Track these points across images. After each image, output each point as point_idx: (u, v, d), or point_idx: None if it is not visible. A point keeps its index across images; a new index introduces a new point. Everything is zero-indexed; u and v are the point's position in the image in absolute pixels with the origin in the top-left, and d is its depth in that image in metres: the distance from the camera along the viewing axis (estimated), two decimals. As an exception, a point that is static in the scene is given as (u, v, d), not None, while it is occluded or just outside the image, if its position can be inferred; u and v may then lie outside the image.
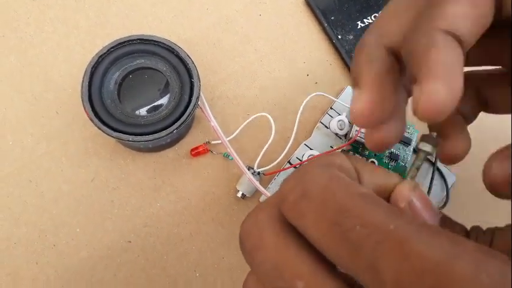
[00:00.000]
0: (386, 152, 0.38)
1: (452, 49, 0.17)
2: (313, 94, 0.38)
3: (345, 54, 0.41)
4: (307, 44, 0.42)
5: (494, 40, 0.21)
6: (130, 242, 0.35)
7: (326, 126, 0.39)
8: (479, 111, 0.26)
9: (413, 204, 0.18)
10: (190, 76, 0.33)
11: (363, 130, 0.37)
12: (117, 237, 0.35)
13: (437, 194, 0.39)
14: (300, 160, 0.38)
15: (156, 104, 0.34)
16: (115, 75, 0.33)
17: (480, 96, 0.25)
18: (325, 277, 0.16)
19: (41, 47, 0.39)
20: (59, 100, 0.37)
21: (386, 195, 0.19)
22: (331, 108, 0.40)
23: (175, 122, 0.32)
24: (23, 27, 0.39)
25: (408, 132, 0.39)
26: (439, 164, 0.39)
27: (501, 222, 0.19)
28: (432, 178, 0.39)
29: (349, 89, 0.40)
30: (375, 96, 0.20)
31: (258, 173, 0.37)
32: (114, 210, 0.36)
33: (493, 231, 0.18)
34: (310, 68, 0.41)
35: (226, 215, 0.37)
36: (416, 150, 0.39)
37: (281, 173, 0.38)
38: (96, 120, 0.31)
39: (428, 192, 0.39)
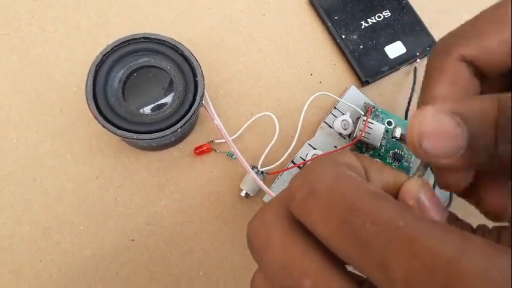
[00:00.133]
0: (390, 151, 0.38)
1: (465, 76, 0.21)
2: (317, 94, 0.38)
3: (349, 54, 0.41)
4: (311, 43, 0.42)
5: None
6: (133, 240, 0.35)
7: (330, 126, 0.39)
8: None
9: (422, 201, 0.18)
10: (195, 75, 0.33)
11: (366, 130, 0.37)
12: (121, 236, 0.35)
13: (441, 193, 0.39)
14: (304, 160, 0.38)
15: (160, 102, 0.34)
16: (119, 74, 0.33)
17: None
18: (334, 275, 0.16)
19: (43, 46, 0.39)
20: (63, 99, 0.38)
21: (394, 193, 0.19)
22: (335, 107, 0.40)
23: (180, 120, 0.32)
24: (24, 26, 0.39)
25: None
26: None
27: (504, 222, 0.19)
28: (435, 179, 0.39)
29: (353, 89, 0.40)
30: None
31: (262, 172, 0.37)
32: (118, 208, 0.36)
33: (499, 229, 0.18)
34: (314, 68, 0.41)
35: (229, 214, 0.37)
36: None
37: (285, 172, 0.38)
38: (100, 118, 0.31)
39: (434, 186, 0.39)
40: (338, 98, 0.39)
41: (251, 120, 0.37)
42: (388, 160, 0.38)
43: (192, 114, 0.32)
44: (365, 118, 0.37)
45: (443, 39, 0.22)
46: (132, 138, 0.31)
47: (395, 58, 0.42)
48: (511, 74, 0.21)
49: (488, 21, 0.21)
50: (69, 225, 0.35)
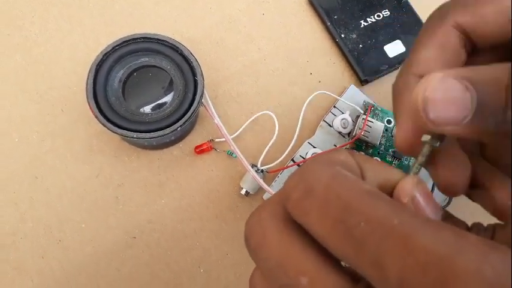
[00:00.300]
0: (390, 150, 0.38)
1: None
2: (317, 92, 0.38)
3: (348, 53, 0.42)
4: (310, 42, 0.42)
5: None
6: (135, 237, 0.36)
7: (329, 125, 0.40)
8: None
9: (416, 199, 0.18)
10: (194, 74, 0.34)
11: (366, 128, 0.37)
12: (122, 233, 0.36)
13: (440, 194, 0.39)
14: (304, 158, 0.38)
15: (160, 101, 0.34)
16: (119, 73, 0.33)
17: None
18: (330, 273, 0.16)
19: (45, 46, 0.39)
20: (64, 98, 0.38)
21: (390, 191, 0.19)
22: (334, 106, 0.40)
23: (180, 119, 0.32)
24: (27, 25, 0.39)
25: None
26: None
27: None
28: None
29: (352, 88, 0.41)
30: (407, 127, 0.21)
31: (262, 171, 0.37)
32: (119, 206, 0.36)
33: (494, 227, 0.19)
34: (313, 67, 0.42)
35: (230, 212, 0.37)
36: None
37: (284, 170, 0.38)
38: (101, 117, 0.31)
39: (432, 190, 0.39)
40: (337, 97, 0.39)
41: (251, 119, 0.37)
42: (387, 158, 0.38)
43: (192, 113, 0.33)
44: (364, 117, 0.38)
45: (440, 6, 0.22)
46: (133, 137, 0.32)
47: (394, 57, 0.42)
48: None
49: None
50: (70, 223, 0.36)
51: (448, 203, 0.39)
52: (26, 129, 0.37)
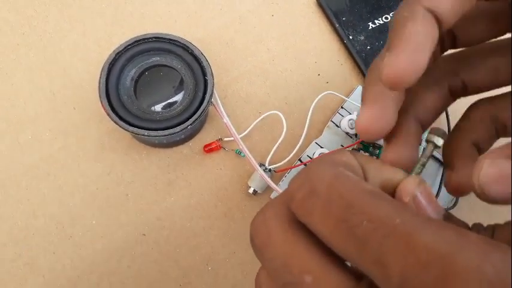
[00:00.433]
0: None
1: (428, 25, 0.19)
2: (324, 93, 0.38)
3: (356, 55, 0.42)
4: (318, 44, 0.43)
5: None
6: (144, 235, 0.36)
7: (337, 125, 0.40)
8: (496, 140, 0.25)
9: (418, 199, 0.18)
10: (204, 74, 0.34)
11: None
12: (132, 230, 0.36)
13: (446, 196, 0.40)
14: (311, 158, 0.39)
15: (171, 100, 0.34)
16: (131, 72, 0.34)
17: (498, 123, 0.24)
18: (333, 271, 0.16)
19: (59, 45, 0.40)
20: (76, 96, 0.39)
21: (392, 191, 0.19)
22: (342, 107, 0.41)
23: (190, 118, 0.33)
24: (42, 25, 0.40)
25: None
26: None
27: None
28: (441, 180, 0.39)
29: (359, 89, 0.41)
30: (374, 113, 0.21)
31: (269, 170, 0.37)
32: (129, 203, 0.37)
33: (493, 227, 0.19)
34: (321, 68, 0.42)
35: (238, 211, 0.38)
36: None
37: (292, 170, 0.38)
38: (113, 115, 0.32)
39: (438, 194, 0.39)
40: (345, 98, 0.40)
41: (259, 119, 0.38)
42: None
43: (202, 112, 0.33)
44: (371, 117, 0.38)
45: None
46: (144, 135, 0.32)
47: (402, 59, 0.42)
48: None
49: None
50: (81, 219, 0.36)
51: (455, 205, 0.39)
52: (39, 127, 0.37)
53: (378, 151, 0.39)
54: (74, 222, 0.36)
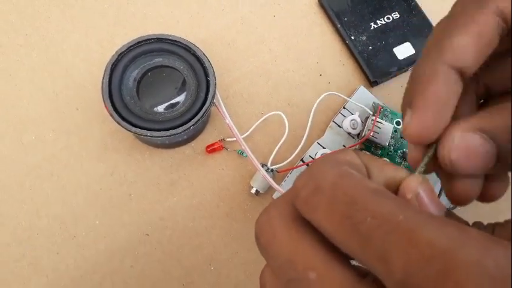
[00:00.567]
0: (399, 151, 0.39)
1: (452, 83, 0.20)
2: (326, 93, 0.38)
3: (358, 55, 0.42)
4: (320, 44, 0.43)
5: None
6: (147, 234, 0.37)
7: (339, 126, 0.40)
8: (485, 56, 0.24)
9: (420, 196, 0.18)
10: (207, 74, 0.34)
11: (375, 129, 0.38)
12: (135, 230, 0.37)
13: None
14: (313, 158, 0.39)
15: (173, 101, 0.35)
16: (134, 73, 0.34)
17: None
18: (337, 268, 0.16)
19: (61, 46, 0.40)
20: (79, 97, 0.39)
21: (395, 189, 0.19)
22: (344, 107, 0.41)
23: (192, 118, 0.33)
24: (45, 26, 0.40)
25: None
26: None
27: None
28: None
29: (361, 89, 0.41)
30: (430, 122, 0.20)
31: (272, 170, 0.38)
32: (132, 203, 0.37)
33: (493, 226, 0.19)
34: (323, 68, 0.42)
35: (240, 211, 0.38)
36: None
37: (294, 170, 0.38)
38: (116, 115, 0.32)
39: (440, 193, 0.39)
40: (347, 98, 0.40)
41: (261, 119, 0.38)
42: (396, 159, 0.39)
43: (204, 112, 0.33)
44: (373, 118, 0.38)
45: None
46: (146, 136, 0.32)
47: (404, 59, 0.42)
48: None
49: None
50: (85, 219, 0.36)
51: (455, 206, 0.39)
52: (42, 127, 0.38)
53: (379, 151, 0.39)
54: (77, 222, 0.36)
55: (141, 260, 0.36)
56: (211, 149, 0.38)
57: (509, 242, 0.14)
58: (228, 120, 0.36)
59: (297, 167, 0.38)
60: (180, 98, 0.35)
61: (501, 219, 0.19)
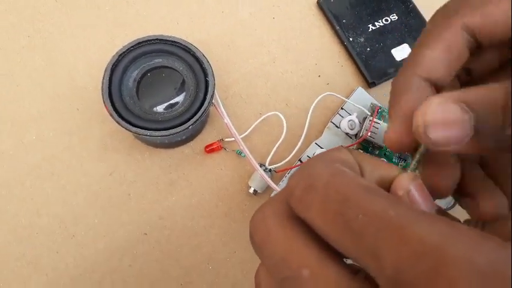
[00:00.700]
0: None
1: (424, 93, 0.21)
2: (324, 94, 0.39)
3: (356, 56, 0.42)
4: (319, 46, 0.43)
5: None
6: (146, 234, 0.37)
7: (337, 126, 0.40)
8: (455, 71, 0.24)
9: (412, 193, 0.19)
10: (206, 75, 0.35)
11: (372, 130, 0.38)
12: (134, 229, 0.37)
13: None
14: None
15: (172, 101, 0.35)
16: (134, 74, 0.35)
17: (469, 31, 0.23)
18: (331, 265, 0.17)
19: (63, 47, 0.40)
20: (80, 98, 0.39)
21: (388, 187, 0.20)
22: (341, 108, 0.41)
23: (191, 118, 0.33)
24: (46, 27, 0.41)
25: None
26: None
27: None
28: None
29: (359, 90, 0.41)
30: (404, 129, 0.21)
31: (270, 170, 0.38)
32: (131, 203, 0.37)
33: (483, 223, 0.19)
34: (321, 69, 0.42)
35: (238, 210, 0.38)
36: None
37: (292, 170, 0.39)
38: (115, 115, 0.33)
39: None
40: (345, 99, 0.40)
41: (260, 120, 0.38)
42: (394, 159, 0.39)
43: (203, 112, 0.34)
44: (371, 118, 0.38)
45: (445, 6, 0.22)
46: (146, 135, 0.33)
47: (401, 60, 0.43)
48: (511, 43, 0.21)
49: None
50: (84, 218, 0.37)
51: (454, 205, 0.40)
52: (43, 127, 0.38)
53: (377, 151, 0.39)
54: (77, 221, 0.37)
55: (139, 259, 0.36)
56: (210, 149, 0.38)
57: (500, 238, 0.14)
58: (227, 120, 0.36)
59: (295, 166, 0.38)
60: (179, 98, 0.35)
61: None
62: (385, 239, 0.14)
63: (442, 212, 0.21)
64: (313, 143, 0.40)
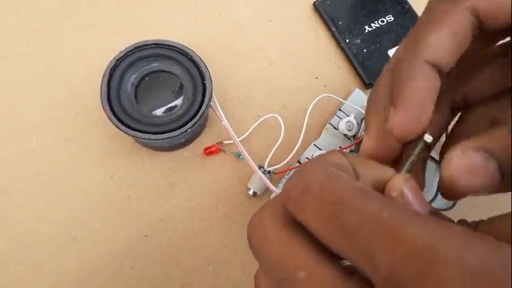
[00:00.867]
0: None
1: (430, 79, 0.21)
2: (322, 96, 0.39)
3: (353, 58, 0.43)
4: (315, 48, 0.44)
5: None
6: (146, 236, 0.37)
7: (335, 127, 0.41)
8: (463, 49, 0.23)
9: (405, 194, 0.19)
10: (203, 78, 0.35)
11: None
12: (134, 232, 0.37)
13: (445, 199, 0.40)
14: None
15: (171, 105, 0.35)
16: (132, 78, 0.35)
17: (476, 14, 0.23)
18: (326, 267, 0.17)
19: (61, 53, 0.41)
20: (79, 103, 0.40)
21: (382, 189, 0.20)
22: (339, 109, 0.41)
23: (189, 121, 0.34)
24: (44, 34, 0.41)
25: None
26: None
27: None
28: (439, 182, 0.39)
29: (357, 91, 0.42)
30: (413, 116, 0.21)
31: (269, 172, 0.38)
32: (132, 206, 0.38)
33: (477, 223, 0.19)
34: (318, 71, 0.43)
35: (238, 212, 0.38)
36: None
37: (291, 172, 0.39)
38: (114, 119, 0.33)
39: (436, 194, 0.40)
40: (342, 100, 0.40)
41: (258, 122, 0.39)
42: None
43: (201, 115, 0.34)
44: (368, 119, 0.39)
45: None
46: (145, 139, 0.33)
47: (398, 61, 0.43)
48: None
49: None
50: (85, 223, 0.37)
51: (453, 205, 0.40)
52: (44, 134, 0.38)
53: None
54: (78, 226, 0.37)
55: (140, 261, 0.37)
56: (209, 152, 0.39)
57: (492, 237, 0.14)
58: (225, 122, 0.37)
59: (293, 168, 0.39)
60: (178, 102, 0.35)
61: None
62: (379, 240, 0.15)
63: (437, 213, 0.21)
64: (312, 144, 0.40)
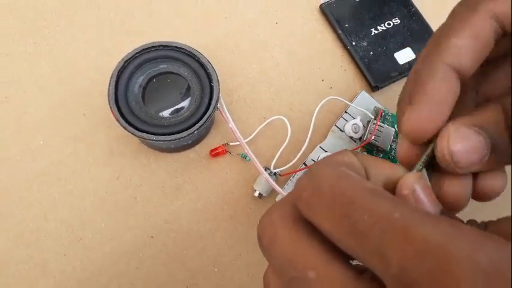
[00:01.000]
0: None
1: (450, 82, 0.21)
2: (328, 98, 0.39)
3: (359, 60, 0.43)
4: (322, 50, 0.44)
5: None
6: (152, 237, 0.37)
7: (341, 130, 0.41)
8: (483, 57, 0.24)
9: (416, 193, 0.19)
10: (210, 80, 0.35)
11: (376, 133, 0.38)
12: (140, 233, 0.37)
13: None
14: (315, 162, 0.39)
15: (178, 106, 0.35)
16: (139, 79, 0.35)
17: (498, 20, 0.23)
18: (336, 266, 0.17)
19: (69, 54, 0.41)
20: (86, 103, 0.40)
21: (393, 188, 0.20)
22: (345, 112, 0.41)
23: (196, 123, 0.34)
24: (52, 34, 0.41)
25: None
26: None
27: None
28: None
29: (363, 94, 0.42)
30: (428, 115, 0.21)
31: (275, 174, 0.38)
32: (138, 207, 0.38)
33: (486, 224, 0.20)
34: (325, 74, 0.43)
35: (243, 214, 0.39)
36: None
37: (296, 173, 0.39)
38: (122, 120, 0.33)
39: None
40: (348, 103, 0.40)
41: (264, 124, 0.39)
42: (398, 163, 0.39)
43: (208, 117, 0.34)
44: (375, 122, 0.39)
45: None
46: (152, 140, 0.33)
47: (404, 64, 0.43)
48: None
49: None
50: (91, 222, 0.37)
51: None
52: (50, 133, 0.39)
53: (381, 155, 0.40)
54: (83, 225, 0.37)
55: (146, 262, 0.37)
56: (215, 153, 0.39)
57: (501, 237, 0.14)
58: (232, 124, 0.37)
59: (299, 170, 0.39)
60: (185, 104, 0.35)
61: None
62: (390, 239, 0.15)
63: (446, 213, 0.21)
64: (318, 146, 0.40)
